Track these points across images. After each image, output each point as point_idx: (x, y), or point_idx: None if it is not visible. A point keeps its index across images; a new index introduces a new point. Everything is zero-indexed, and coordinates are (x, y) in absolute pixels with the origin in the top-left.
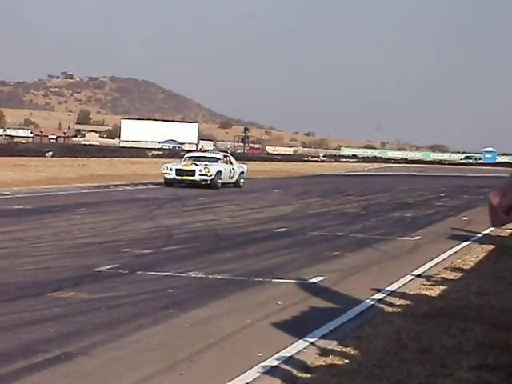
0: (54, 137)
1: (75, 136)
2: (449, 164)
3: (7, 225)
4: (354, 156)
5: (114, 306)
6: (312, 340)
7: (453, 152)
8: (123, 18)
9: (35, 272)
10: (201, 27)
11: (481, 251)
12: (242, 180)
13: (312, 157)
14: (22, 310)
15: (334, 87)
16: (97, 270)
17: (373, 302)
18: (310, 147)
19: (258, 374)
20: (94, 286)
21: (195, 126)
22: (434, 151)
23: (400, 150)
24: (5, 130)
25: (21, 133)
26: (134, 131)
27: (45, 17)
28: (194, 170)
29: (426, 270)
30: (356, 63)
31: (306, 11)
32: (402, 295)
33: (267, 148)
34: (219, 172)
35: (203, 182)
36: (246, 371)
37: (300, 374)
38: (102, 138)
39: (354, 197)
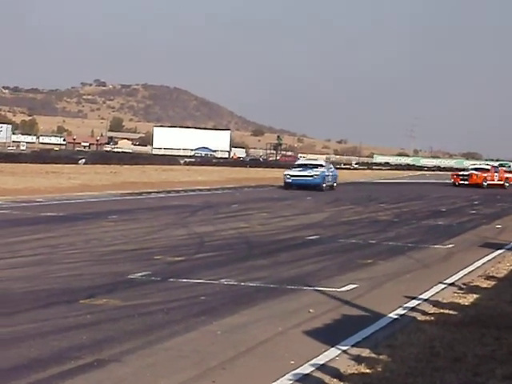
0: (87, 144)
1: (108, 143)
2: None
3: (40, 232)
4: (387, 164)
5: (146, 313)
6: (344, 348)
7: (486, 159)
8: (155, 26)
9: (68, 279)
10: (234, 36)
11: None
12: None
13: (344, 164)
14: (55, 317)
15: (366, 94)
16: (129, 277)
17: (405, 311)
18: (343, 155)
19: (290, 382)
20: (127, 293)
21: (227, 133)
22: (467, 159)
23: (433, 157)
24: (38, 138)
25: (53, 140)
26: (167, 139)
27: (78, 25)
28: None
29: (459, 279)
30: (390, 71)
31: (334, 18)
32: (435, 303)
33: (299, 155)
34: None
35: None
36: (278, 379)
37: (332, 382)
38: (135, 145)
39: (387, 204)
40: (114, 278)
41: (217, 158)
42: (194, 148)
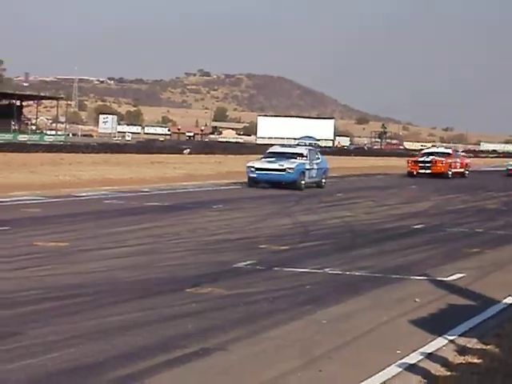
0: (191, 134)
1: (212, 133)
2: None
3: (146, 221)
4: (494, 151)
5: (251, 301)
6: (451, 338)
7: None
8: (258, 16)
9: (173, 268)
10: (335, 24)
11: None
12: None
13: None
14: (161, 306)
15: (472, 81)
16: (234, 266)
17: None
18: (449, 142)
19: (397, 371)
20: (232, 282)
21: (331, 122)
22: None
23: None
24: (143, 128)
25: (158, 130)
26: (271, 128)
27: (182, 16)
28: None
29: None
30: (498, 58)
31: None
32: None
33: (405, 143)
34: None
35: None
36: (384, 368)
37: (439, 372)
38: (239, 135)
39: (495, 192)
40: (219, 267)
41: (321, 146)
42: (298, 137)
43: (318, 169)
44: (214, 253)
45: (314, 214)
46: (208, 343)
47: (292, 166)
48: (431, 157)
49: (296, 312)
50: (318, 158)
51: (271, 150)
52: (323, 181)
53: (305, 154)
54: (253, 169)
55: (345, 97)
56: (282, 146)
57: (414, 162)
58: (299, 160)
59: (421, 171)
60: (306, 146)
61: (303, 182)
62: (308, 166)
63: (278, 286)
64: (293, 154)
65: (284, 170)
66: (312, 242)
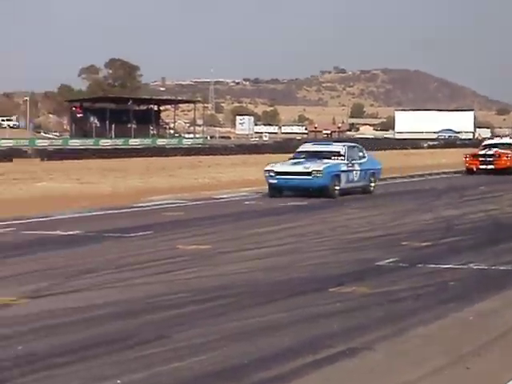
0: (328, 132)
1: (349, 130)
2: None
3: (285, 221)
4: None
5: (395, 299)
6: None
7: None
8: (397, 10)
9: (315, 267)
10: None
11: None
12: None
13: None
14: (305, 306)
15: None
16: (377, 263)
17: None
18: None
19: None
20: (375, 280)
21: (471, 114)
22: None
23: None
24: (280, 128)
25: (295, 129)
26: (408, 122)
27: (314, 15)
28: None
29: None
30: None
31: None
32: None
33: None
34: None
35: None
36: None
37: None
38: (376, 130)
39: None
40: (362, 265)
41: (461, 139)
42: (437, 130)
43: (361, 170)
44: (356, 251)
45: (456, 208)
46: (354, 342)
47: (320, 168)
48: (494, 149)
49: (441, 309)
50: (363, 157)
51: (301, 148)
52: (372, 185)
53: (342, 153)
54: (272, 173)
55: (483, 88)
56: (315, 143)
57: (473, 156)
58: (333, 160)
59: (482, 167)
60: (345, 142)
61: (337, 188)
62: (345, 168)
63: (422, 283)
64: (327, 152)
65: (310, 173)
66: (455, 237)
